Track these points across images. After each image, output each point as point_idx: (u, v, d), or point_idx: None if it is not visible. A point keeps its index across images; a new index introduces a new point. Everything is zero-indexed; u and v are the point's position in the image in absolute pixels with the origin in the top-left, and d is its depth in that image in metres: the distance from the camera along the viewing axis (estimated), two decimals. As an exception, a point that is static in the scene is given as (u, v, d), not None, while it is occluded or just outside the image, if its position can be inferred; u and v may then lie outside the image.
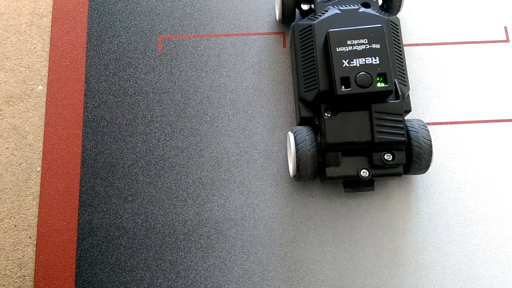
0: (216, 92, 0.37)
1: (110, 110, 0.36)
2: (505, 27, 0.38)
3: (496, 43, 0.38)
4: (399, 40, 0.34)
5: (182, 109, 0.36)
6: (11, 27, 0.37)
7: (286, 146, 0.35)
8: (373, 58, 0.30)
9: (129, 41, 0.38)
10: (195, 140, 0.36)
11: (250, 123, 0.36)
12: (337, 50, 0.30)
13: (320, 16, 0.33)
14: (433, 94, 0.37)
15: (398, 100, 0.31)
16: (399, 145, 0.30)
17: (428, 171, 0.34)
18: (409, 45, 0.38)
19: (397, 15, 0.36)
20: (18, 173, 0.34)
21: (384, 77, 0.30)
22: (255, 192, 0.34)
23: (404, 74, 0.33)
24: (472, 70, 0.37)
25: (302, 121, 0.33)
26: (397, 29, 0.34)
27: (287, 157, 0.35)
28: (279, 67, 0.38)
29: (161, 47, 0.38)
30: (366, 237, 0.33)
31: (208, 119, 0.36)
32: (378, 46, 0.30)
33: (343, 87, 0.30)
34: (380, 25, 0.31)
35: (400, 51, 0.33)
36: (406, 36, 0.38)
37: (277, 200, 0.34)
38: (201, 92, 0.37)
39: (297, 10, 0.37)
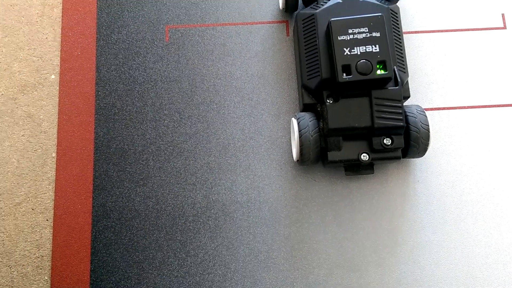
0: (222, 80, 0.38)
1: (120, 98, 0.37)
2: (503, 14, 0.39)
3: (494, 30, 0.39)
4: (398, 28, 0.35)
5: (189, 97, 0.38)
6: (23, 18, 0.39)
7: (290, 131, 0.37)
8: (373, 46, 0.31)
9: (138, 31, 0.39)
10: (203, 126, 0.37)
11: (255, 110, 0.38)
12: (339, 38, 0.31)
13: (323, 5, 0.34)
14: (432, 80, 0.38)
15: (397, 87, 0.32)
16: (398, 130, 0.32)
17: (425, 154, 0.36)
18: (408, 32, 0.39)
19: (397, 4, 0.38)
20: (34, 159, 0.36)
21: (384, 65, 0.31)
22: (260, 176, 0.36)
23: (403, 61, 0.34)
24: (469, 56, 0.38)
25: (305, 108, 0.35)
26: (397, 17, 0.35)
27: (290, 142, 0.37)
28: (282, 55, 0.39)
29: (168, 36, 0.39)
30: (366, 217, 0.35)
31: (215, 106, 0.38)
32: (378, 34, 0.31)
33: (344, 74, 0.31)
34: (380, 14, 0.32)
35: (400, 39, 0.35)
36: (406, 24, 0.39)
37: (281, 183, 0.36)
38: (207, 80, 0.38)
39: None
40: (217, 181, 0.36)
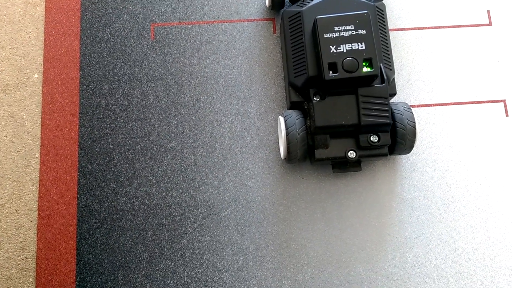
0: (209, 78, 0.38)
1: (105, 97, 0.37)
2: (488, 11, 0.40)
3: (479, 27, 0.39)
4: (384, 25, 0.35)
5: (175, 95, 0.37)
6: (5, 17, 0.38)
7: (277, 129, 0.37)
8: (359, 43, 0.31)
9: (122, 29, 0.38)
10: (189, 125, 0.37)
11: (242, 108, 0.37)
12: (325, 36, 0.31)
13: (309, 2, 0.34)
14: (418, 77, 0.38)
15: (383, 84, 0.32)
16: (384, 127, 0.32)
17: (412, 151, 0.36)
18: (394, 29, 0.39)
19: (383, 1, 0.38)
20: (17, 160, 0.35)
21: (370, 62, 0.31)
22: (247, 174, 0.36)
23: (389, 58, 0.34)
24: (455, 53, 0.39)
25: (292, 106, 0.35)
26: (383, 14, 0.35)
27: (278, 140, 0.37)
28: (269, 53, 0.39)
29: (153, 34, 0.38)
30: (354, 214, 0.35)
31: (201, 104, 0.37)
32: (364, 32, 0.31)
33: (330, 72, 0.31)
34: (366, 11, 0.32)
35: (386, 36, 0.35)
36: (392, 21, 0.39)
37: (269, 182, 0.36)
38: (194, 79, 0.38)
39: (286, -3, 0.37)
40: (204, 180, 0.36)
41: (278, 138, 0.37)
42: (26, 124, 0.36)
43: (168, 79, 0.38)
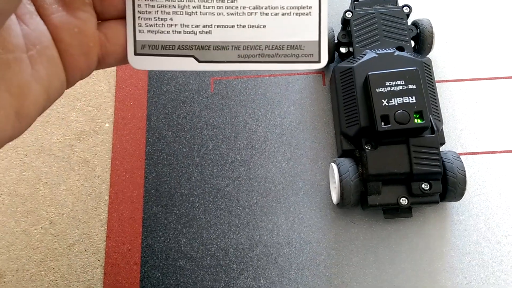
0: (263, 127, 0.41)
1: (169, 144, 0.40)
2: (529, 64, 0.41)
3: (521, 78, 0.41)
4: (431, 79, 0.37)
5: (232, 143, 0.40)
6: (81, 72, 0.42)
7: (329, 175, 0.39)
8: (410, 97, 0.33)
9: (185, 83, 0.42)
10: (245, 170, 0.39)
11: (294, 155, 0.40)
12: (377, 90, 0.34)
13: (359, 59, 0.37)
14: (464, 126, 0.40)
15: (433, 135, 0.34)
16: (436, 176, 0.33)
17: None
18: (440, 81, 0.41)
19: (428, 55, 0.40)
20: (88, 202, 0.38)
21: (420, 114, 0.33)
22: (300, 218, 0.38)
23: (437, 109, 0.36)
24: (500, 103, 0.40)
25: (344, 153, 0.37)
26: (430, 69, 0.37)
27: (329, 186, 0.38)
28: (319, 104, 0.41)
29: (213, 87, 0.42)
30: (405, 260, 0.36)
31: (256, 151, 0.40)
32: (414, 86, 0.34)
33: (383, 123, 0.33)
34: (415, 67, 0.34)
35: (433, 88, 0.37)
36: (437, 73, 0.41)
37: (320, 226, 0.37)
38: (249, 127, 0.41)
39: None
40: (259, 222, 0.38)
41: (329, 183, 0.38)
42: (97, 169, 0.39)
43: (226, 127, 0.41)
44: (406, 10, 0.39)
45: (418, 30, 0.39)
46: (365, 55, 0.37)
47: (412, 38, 0.39)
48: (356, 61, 0.37)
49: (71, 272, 0.37)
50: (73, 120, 0.41)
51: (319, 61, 0.23)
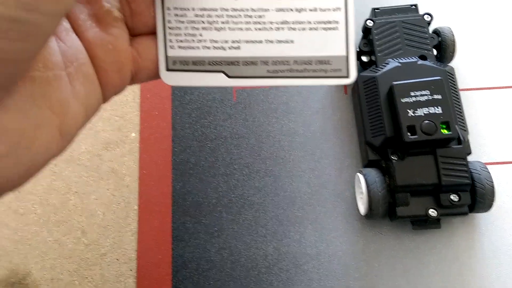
0: (286, 136, 0.41)
1: (194, 154, 0.41)
2: (556, 69, 0.41)
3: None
4: (455, 88, 0.37)
5: (257, 152, 0.41)
6: (107, 83, 0.43)
7: (354, 185, 0.39)
8: (435, 107, 0.33)
9: (208, 92, 0.42)
10: (270, 180, 0.40)
11: (319, 164, 0.40)
12: (402, 101, 0.34)
13: (382, 68, 0.37)
14: (488, 135, 0.39)
15: (460, 145, 0.34)
16: (465, 187, 0.33)
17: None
18: (462, 89, 0.41)
19: (450, 63, 0.40)
20: (118, 212, 0.39)
21: (447, 125, 0.33)
22: (327, 229, 0.38)
23: (463, 119, 0.36)
24: (525, 110, 0.40)
25: (369, 163, 0.37)
26: (453, 78, 0.37)
27: (355, 196, 0.39)
28: (341, 112, 0.41)
29: (235, 96, 0.42)
30: (434, 272, 0.36)
31: (281, 160, 0.40)
32: (439, 96, 0.34)
33: (409, 134, 0.33)
34: (440, 77, 0.34)
35: (458, 97, 0.37)
36: (459, 81, 0.41)
37: (348, 236, 0.38)
38: (272, 136, 0.41)
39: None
40: (287, 233, 0.38)
41: (355, 194, 0.39)
42: (126, 178, 0.40)
43: (250, 137, 0.41)
44: (427, 18, 0.39)
45: (440, 38, 0.39)
46: (388, 64, 0.37)
47: (434, 47, 0.39)
48: (379, 70, 0.37)
49: (104, 282, 0.38)
50: (100, 129, 0.42)
51: (347, 76, 0.23)
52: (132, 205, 0.40)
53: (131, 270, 0.38)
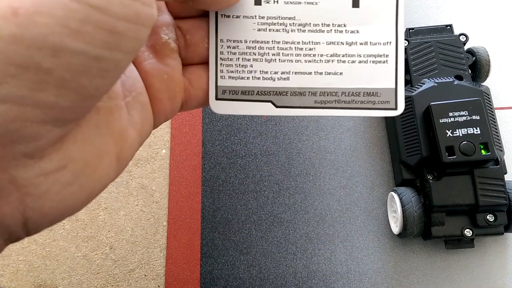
0: (317, 153, 0.41)
1: (224, 171, 0.41)
2: None
3: None
4: (491, 108, 0.37)
5: (287, 169, 0.40)
6: (137, 98, 0.43)
7: (385, 204, 0.39)
8: (474, 128, 0.33)
9: (238, 109, 0.43)
10: (300, 197, 0.39)
11: (350, 182, 0.40)
12: (440, 121, 0.34)
13: (418, 88, 0.37)
14: (523, 155, 0.39)
15: (498, 166, 0.34)
16: (502, 207, 0.33)
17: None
18: (496, 108, 0.41)
19: (483, 83, 0.40)
20: (147, 228, 0.39)
21: (485, 146, 0.33)
22: (358, 247, 0.37)
23: (499, 139, 0.36)
24: (557, 131, 0.40)
25: (403, 182, 0.37)
26: (489, 98, 0.37)
27: (386, 214, 0.38)
28: (373, 130, 0.41)
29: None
30: (469, 292, 0.35)
31: (311, 178, 0.40)
32: (478, 117, 0.34)
33: (447, 154, 0.33)
34: (478, 98, 0.34)
35: (494, 117, 0.37)
36: (493, 100, 0.41)
37: (379, 255, 0.37)
38: (303, 154, 0.41)
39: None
40: (317, 251, 0.38)
41: (387, 212, 0.38)
42: (155, 194, 0.40)
43: (280, 154, 0.41)
44: (462, 39, 0.39)
45: (474, 58, 0.39)
46: (424, 84, 0.37)
47: (468, 66, 0.39)
48: (415, 90, 0.37)
49: (131, 298, 0.37)
50: (130, 145, 0.42)
51: (395, 108, 0.23)
52: (161, 221, 0.39)
53: (159, 286, 0.37)
